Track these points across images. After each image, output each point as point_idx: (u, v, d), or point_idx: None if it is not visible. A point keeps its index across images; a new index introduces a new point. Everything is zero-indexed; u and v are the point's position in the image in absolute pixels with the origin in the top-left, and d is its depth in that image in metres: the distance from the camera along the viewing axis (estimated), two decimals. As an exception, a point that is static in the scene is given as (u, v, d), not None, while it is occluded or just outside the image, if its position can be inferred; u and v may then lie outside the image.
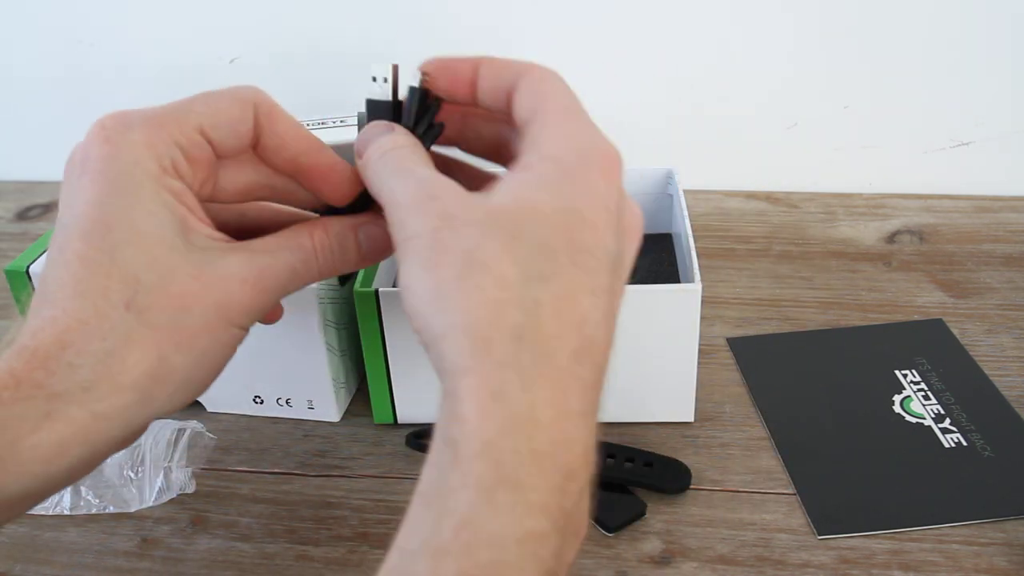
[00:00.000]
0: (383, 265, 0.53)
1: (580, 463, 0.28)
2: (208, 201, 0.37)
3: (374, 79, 0.39)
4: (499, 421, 0.27)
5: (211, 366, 0.35)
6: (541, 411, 0.27)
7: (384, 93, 0.38)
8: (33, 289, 0.53)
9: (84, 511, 0.48)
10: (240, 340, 0.36)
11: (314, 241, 0.37)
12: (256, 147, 0.37)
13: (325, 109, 0.62)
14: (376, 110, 0.39)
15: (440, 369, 0.29)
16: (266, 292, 0.35)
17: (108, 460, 0.49)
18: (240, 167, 0.37)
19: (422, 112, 0.38)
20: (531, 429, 0.27)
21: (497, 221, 0.29)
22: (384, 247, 0.39)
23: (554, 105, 0.33)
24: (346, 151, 0.53)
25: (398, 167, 0.34)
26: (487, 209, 0.30)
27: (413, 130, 0.37)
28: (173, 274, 0.33)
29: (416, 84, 0.37)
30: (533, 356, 0.27)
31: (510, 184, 0.31)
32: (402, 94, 0.38)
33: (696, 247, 0.51)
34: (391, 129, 0.36)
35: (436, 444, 0.28)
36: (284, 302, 0.50)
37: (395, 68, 0.38)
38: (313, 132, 0.57)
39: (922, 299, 0.63)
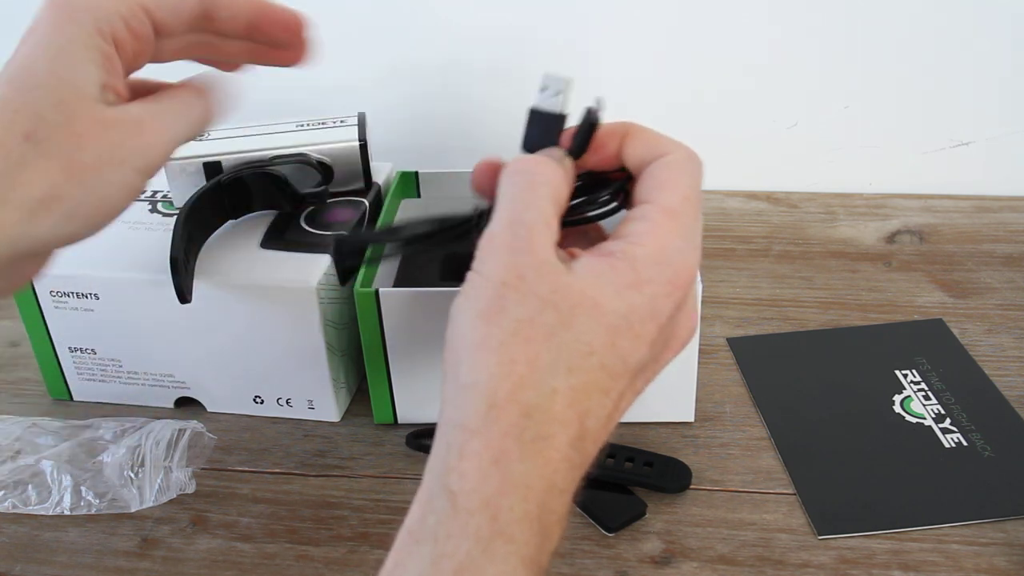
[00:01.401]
0: (383, 265, 0.54)
1: (556, 530, 0.31)
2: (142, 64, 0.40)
3: (545, 88, 0.38)
4: (497, 483, 0.30)
5: (101, 204, 0.36)
6: (533, 481, 0.30)
7: (555, 105, 0.38)
8: (33, 290, 0.53)
9: (84, 511, 0.48)
10: (135, 186, 0.37)
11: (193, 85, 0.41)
12: (211, 24, 0.40)
13: (325, 109, 0.62)
14: (539, 121, 0.38)
15: (450, 416, 0.31)
16: (157, 132, 0.38)
17: (108, 460, 0.49)
18: (180, 36, 0.41)
19: (585, 136, 0.37)
20: (524, 493, 0.30)
21: (558, 302, 0.32)
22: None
23: (667, 198, 0.35)
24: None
25: (511, 197, 0.35)
26: (556, 285, 0.32)
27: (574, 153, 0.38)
28: (77, 117, 0.35)
29: (594, 107, 0.37)
30: (535, 434, 0.31)
31: (587, 268, 0.34)
32: (557, 107, 0.38)
33: (696, 247, 0.51)
34: (559, 161, 0.37)
35: (430, 487, 0.31)
36: (285, 302, 0.50)
37: (568, 82, 0.38)
38: (313, 132, 0.58)
39: (922, 299, 0.63)
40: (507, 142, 0.40)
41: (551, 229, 0.34)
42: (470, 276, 0.33)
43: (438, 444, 0.31)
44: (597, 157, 0.38)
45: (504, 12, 0.74)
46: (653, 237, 0.34)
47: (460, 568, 0.28)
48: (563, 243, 0.35)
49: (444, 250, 0.41)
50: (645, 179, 0.37)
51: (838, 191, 0.77)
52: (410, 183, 0.61)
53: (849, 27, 0.72)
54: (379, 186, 0.60)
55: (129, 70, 0.38)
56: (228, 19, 0.40)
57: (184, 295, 0.48)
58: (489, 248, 0.34)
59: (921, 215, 0.73)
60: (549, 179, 0.35)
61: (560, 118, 0.38)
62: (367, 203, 0.58)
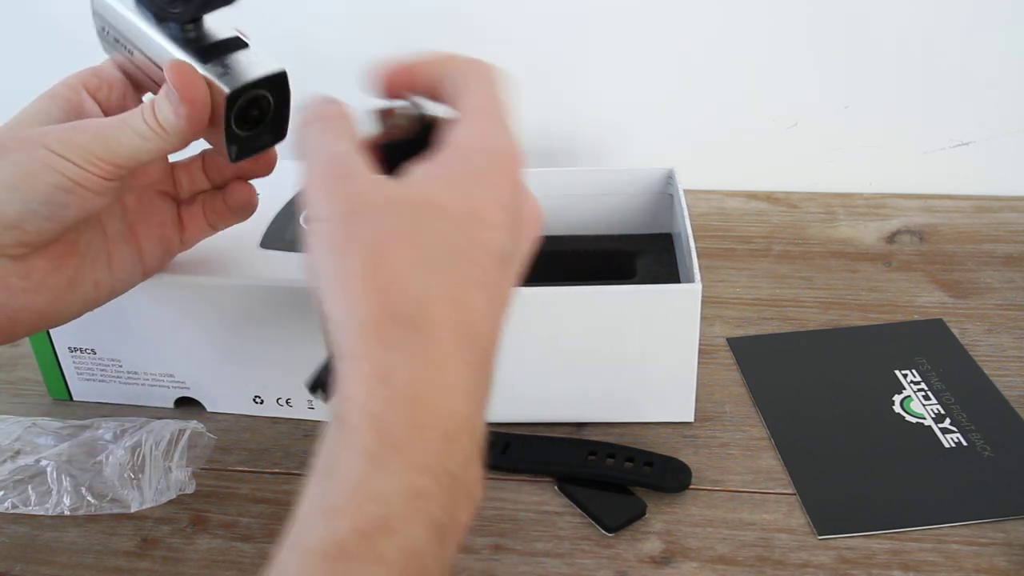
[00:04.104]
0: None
1: (462, 431, 0.30)
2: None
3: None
4: (384, 399, 0.29)
5: (20, 172, 0.40)
6: (424, 389, 0.30)
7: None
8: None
9: (84, 511, 0.48)
10: (53, 164, 0.40)
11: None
12: None
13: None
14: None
15: (336, 353, 0.31)
16: (78, 125, 0.42)
17: (108, 460, 0.49)
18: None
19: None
20: (413, 404, 0.30)
21: (400, 211, 0.32)
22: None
23: (472, 101, 0.36)
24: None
25: (318, 139, 0.35)
26: (393, 196, 0.32)
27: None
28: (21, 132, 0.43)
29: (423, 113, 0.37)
30: (420, 342, 0.30)
31: (422, 175, 0.33)
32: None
33: (696, 247, 0.51)
34: (332, 101, 0.37)
35: (328, 422, 0.30)
36: (285, 302, 0.50)
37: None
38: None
39: (922, 299, 0.63)
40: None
41: (363, 155, 0.34)
42: (311, 229, 0.33)
43: (336, 385, 0.31)
44: (390, 81, 0.38)
45: (504, 12, 0.74)
46: (474, 133, 0.35)
47: (352, 488, 0.28)
48: None
49: None
50: (447, 86, 0.36)
51: (838, 191, 0.77)
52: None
53: (849, 27, 0.72)
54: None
55: (122, 98, 0.46)
56: None
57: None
58: (313, 191, 0.33)
59: (921, 215, 0.73)
60: (338, 112, 0.36)
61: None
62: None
